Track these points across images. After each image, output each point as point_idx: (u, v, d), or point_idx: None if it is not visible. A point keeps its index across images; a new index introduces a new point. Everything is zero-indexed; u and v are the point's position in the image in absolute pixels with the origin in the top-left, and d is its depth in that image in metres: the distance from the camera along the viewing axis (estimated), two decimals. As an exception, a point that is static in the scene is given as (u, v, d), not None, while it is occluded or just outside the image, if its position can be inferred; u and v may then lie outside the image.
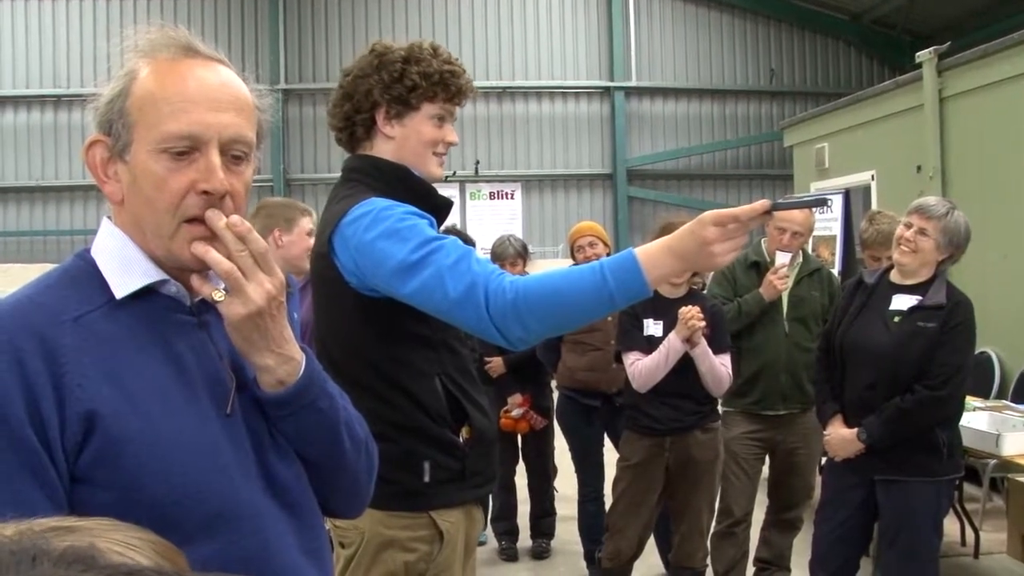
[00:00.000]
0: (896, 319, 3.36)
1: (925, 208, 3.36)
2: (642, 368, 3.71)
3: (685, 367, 3.70)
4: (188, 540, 1.04)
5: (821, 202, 1.91)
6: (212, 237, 1.17)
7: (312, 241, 3.23)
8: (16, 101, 13.01)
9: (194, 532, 1.09)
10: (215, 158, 1.16)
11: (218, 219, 1.16)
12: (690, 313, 3.60)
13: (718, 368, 3.72)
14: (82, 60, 13.01)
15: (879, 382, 3.33)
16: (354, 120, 2.08)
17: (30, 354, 1.06)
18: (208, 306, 1.23)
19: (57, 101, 12.98)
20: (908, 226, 3.37)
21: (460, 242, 1.83)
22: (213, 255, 1.16)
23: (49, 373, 1.06)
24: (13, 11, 13.10)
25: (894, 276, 3.45)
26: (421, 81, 2.03)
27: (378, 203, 1.89)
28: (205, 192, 1.16)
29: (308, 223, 3.35)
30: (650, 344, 3.75)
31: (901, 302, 3.38)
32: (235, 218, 1.17)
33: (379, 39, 2.15)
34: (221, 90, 1.19)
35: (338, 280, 1.96)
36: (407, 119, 2.06)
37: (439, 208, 2.10)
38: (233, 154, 1.19)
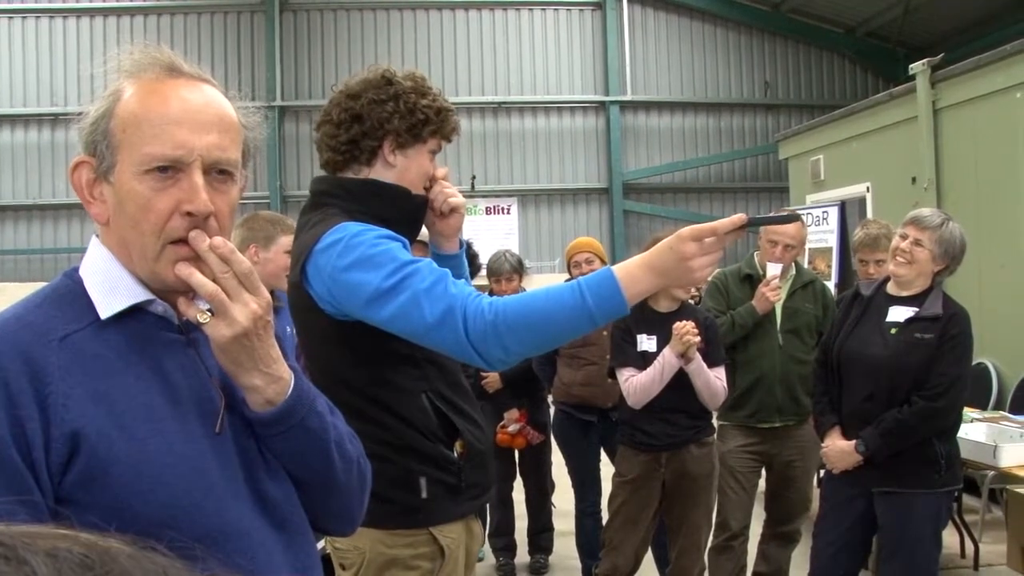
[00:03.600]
0: (893, 331, 3.36)
1: (920, 219, 3.37)
2: (637, 385, 3.70)
3: (680, 382, 3.69)
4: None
5: (794, 217, 1.96)
6: (196, 258, 1.17)
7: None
8: (13, 120, 13.04)
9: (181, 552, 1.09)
10: (198, 179, 1.15)
11: (202, 241, 1.16)
12: (684, 328, 3.59)
13: (713, 382, 3.71)
14: (79, 79, 13.04)
15: (876, 393, 3.33)
16: (360, 144, 2.05)
17: (15, 374, 1.06)
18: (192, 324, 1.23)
19: (54, 120, 13.00)
20: (904, 237, 3.38)
21: (435, 265, 1.82)
22: (197, 277, 1.16)
23: (34, 393, 1.06)
24: (11, 29, 13.15)
25: (891, 288, 3.45)
26: (433, 115, 2.05)
27: (350, 228, 1.88)
28: (189, 213, 1.15)
29: (288, 242, 3.32)
30: (644, 360, 3.74)
31: (898, 313, 3.38)
32: (218, 239, 1.17)
33: (381, 62, 2.14)
34: (204, 110, 1.19)
35: (313, 308, 1.94)
36: (410, 150, 2.06)
37: (414, 210, 2.09)
38: (217, 173, 1.19)
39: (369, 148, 2.05)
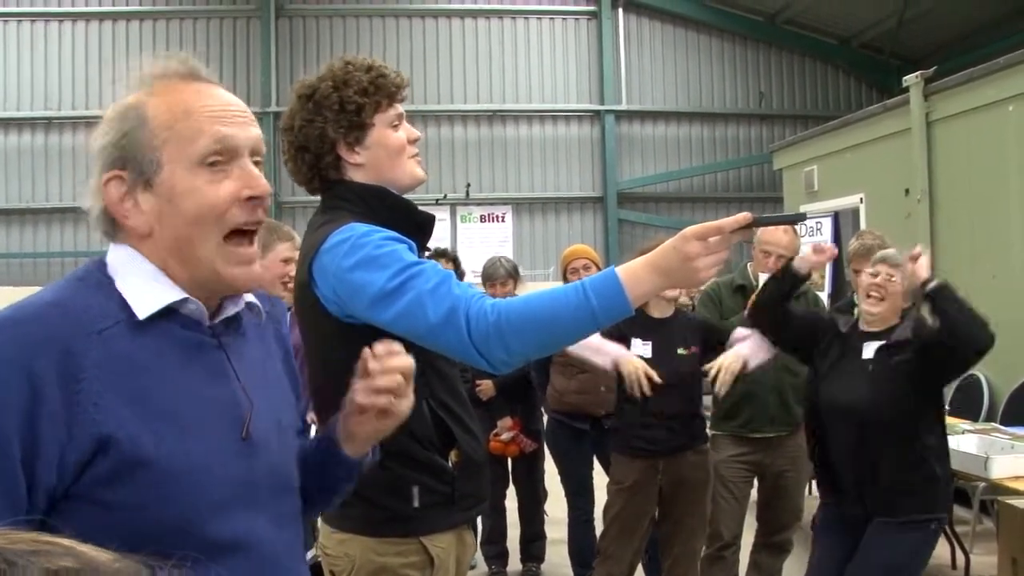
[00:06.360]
0: (871, 367, 3.38)
1: (890, 258, 3.43)
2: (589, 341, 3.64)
3: (678, 385, 3.71)
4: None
5: (801, 217, 1.91)
6: (251, 261, 1.21)
7: (288, 268, 3.22)
8: (7, 123, 13.02)
9: (193, 556, 1.09)
10: (251, 165, 1.19)
11: (373, 363, 1.30)
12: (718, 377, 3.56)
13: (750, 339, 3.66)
14: (74, 83, 13.04)
15: (868, 435, 3.28)
16: (320, 166, 2.04)
17: (46, 367, 1.04)
18: (227, 328, 1.24)
19: (48, 123, 12.99)
20: (875, 275, 3.41)
21: (440, 267, 1.80)
22: (374, 399, 1.31)
23: (63, 387, 1.04)
24: (5, 33, 13.13)
25: (863, 326, 3.48)
26: (362, 99, 1.99)
27: (357, 229, 1.86)
28: (251, 198, 1.18)
29: (285, 249, 3.30)
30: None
31: (870, 350, 3.40)
32: (379, 347, 1.30)
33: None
34: (237, 105, 1.23)
35: (318, 309, 1.92)
36: (367, 139, 2.01)
37: (422, 224, 2.06)
38: (256, 161, 1.22)
39: (330, 164, 2.03)
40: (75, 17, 13.25)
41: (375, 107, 2.01)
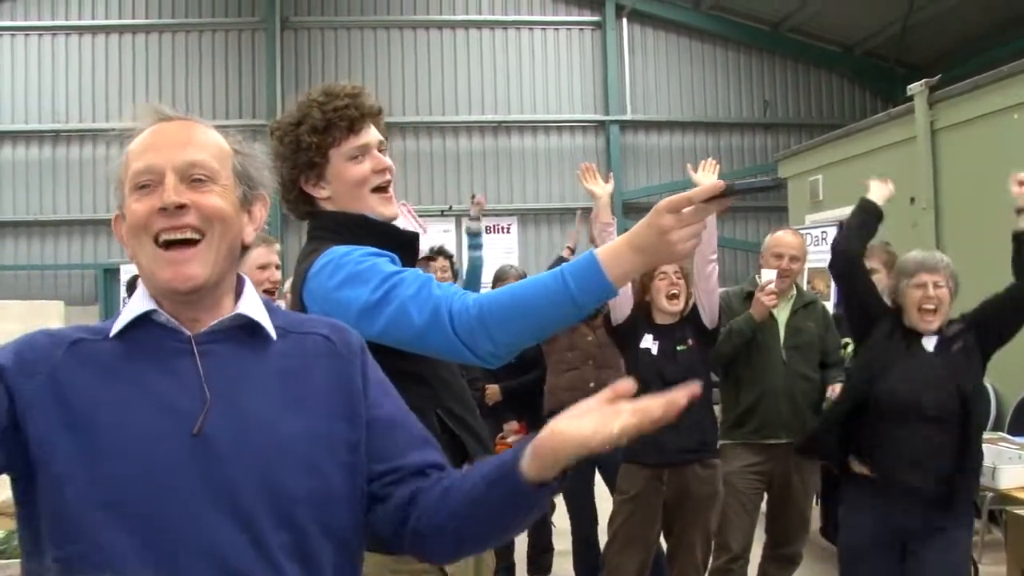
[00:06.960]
0: (939, 360, 3.32)
1: (927, 263, 3.39)
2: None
3: (684, 381, 3.74)
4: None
5: (773, 185, 1.90)
6: (179, 261, 1.32)
7: (265, 274, 3.24)
8: (15, 136, 13.07)
9: (130, 543, 1.20)
10: (168, 181, 1.31)
11: None
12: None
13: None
14: (80, 96, 13.09)
15: (944, 428, 3.24)
16: (290, 199, 2.08)
17: (15, 362, 1.28)
18: (215, 336, 1.34)
19: (55, 136, 13.04)
20: (921, 286, 3.37)
21: (420, 272, 1.82)
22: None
23: (21, 377, 1.27)
24: (13, 46, 13.20)
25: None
26: (313, 138, 2.00)
27: (337, 251, 1.89)
28: (162, 209, 1.31)
29: (264, 255, 3.27)
30: (642, 357, 3.85)
31: (931, 343, 3.38)
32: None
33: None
34: (179, 133, 1.37)
35: None
36: (327, 174, 2.04)
37: (405, 244, 2.07)
38: (193, 178, 1.33)
39: (297, 198, 2.07)
40: (82, 31, 13.32)
41: (329, 143, 2.02)
